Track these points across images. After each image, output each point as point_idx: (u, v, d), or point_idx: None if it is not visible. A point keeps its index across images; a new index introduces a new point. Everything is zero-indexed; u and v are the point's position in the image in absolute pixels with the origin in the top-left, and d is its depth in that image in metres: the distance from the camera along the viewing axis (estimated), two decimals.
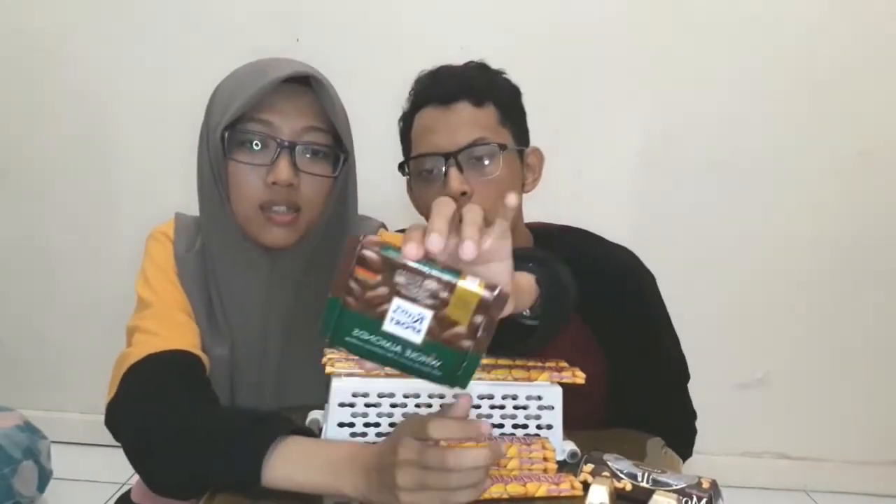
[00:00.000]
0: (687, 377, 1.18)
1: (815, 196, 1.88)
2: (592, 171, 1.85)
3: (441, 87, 1.10)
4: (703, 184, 1.87)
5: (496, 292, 0.55)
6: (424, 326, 0.55)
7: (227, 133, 0.87)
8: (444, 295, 0.55)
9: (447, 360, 0.56)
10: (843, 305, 1.92)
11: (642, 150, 1.86)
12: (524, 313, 0.71)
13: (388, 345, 0.56)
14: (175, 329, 0.88)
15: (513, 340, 0.75)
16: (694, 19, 1.80)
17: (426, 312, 0.55)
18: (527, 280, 0.69)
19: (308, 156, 0.89)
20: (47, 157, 1.93)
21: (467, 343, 0.55)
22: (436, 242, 0.52)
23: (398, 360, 0.56)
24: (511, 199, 0.61)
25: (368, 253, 0.54)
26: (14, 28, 1.87)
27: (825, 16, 1.79)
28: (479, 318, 0.55)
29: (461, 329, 0.55)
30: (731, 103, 1.83)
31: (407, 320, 0.55)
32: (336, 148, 0.92)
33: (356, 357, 0.57)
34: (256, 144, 0.88)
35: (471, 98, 1.08)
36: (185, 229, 0.97)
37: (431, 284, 0.55)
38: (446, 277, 0.54)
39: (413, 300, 0.55)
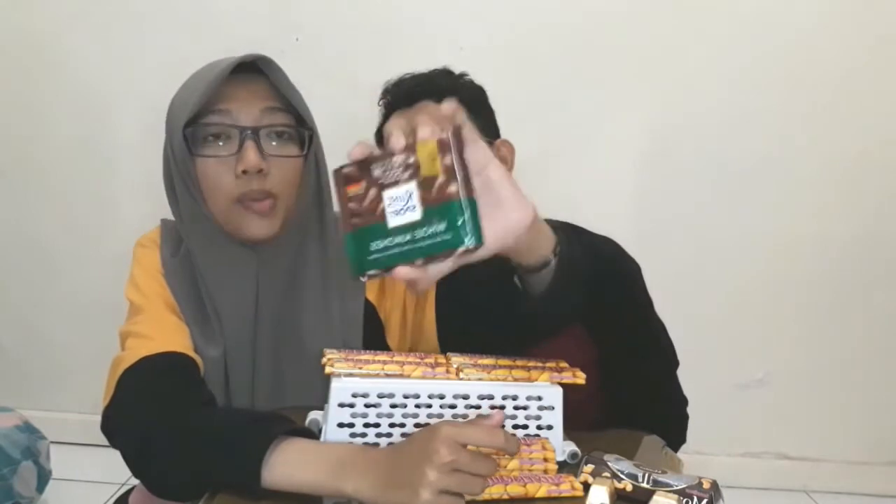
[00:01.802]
0: (676, 363, 1.19)
1: (815, 196, 1.88)
2: (593, 171, 1.85)
3: (405, 92, 1.16)
4: (704, 184, 1.87)
5: (450, 129, 0.59)
6: (416, 198, 0.59)
7: (189, 130, 0.86)
8: (411, 160, 0.59)
9: (449, 217, 0.58)
10: (843, 305, 1.92)
11: (643, 150, 1.86)
12: (542, 261, 0.71)
13: (401, 239, 0.59)
14: (168, 332, 0.88)
15: (526, 308, 0.76)
16: (694, 19, 1.80)
17: (410, 185, 0.59)
18: (545, 226, 0.70)
19: (274, 142, 0.89)
20: (46, 157, 1.93)
21: (453, 188, 0.58)
22: (398, 139, 0.60)
23: (415, 247, 0.59)
24: (445, 106, 0.63)
25: (345, 169, 0.62)
26: (12, 26, 1.87)
27: (825, 15, 1.79)
28: (448, 159, 0.58)
29: (441, 178, 0.58)
30: (731, 103, 1.83)
31: (402, 205, 0.59)
32: (299, 128, 0.91)
33: (385, 271, 0.60)
34: (219, 136, 0.87)
35: (432, 97, 1.13)
36: (170, 234, 0.97)
37: (399, 158, 0.60)
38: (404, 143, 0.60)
39: (396, 183, 0.60)
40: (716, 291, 1.91)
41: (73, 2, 1.85)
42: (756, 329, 1.93)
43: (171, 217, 0.99)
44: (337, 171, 0.62)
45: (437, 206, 0.58)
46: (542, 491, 0.72)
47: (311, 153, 0.93)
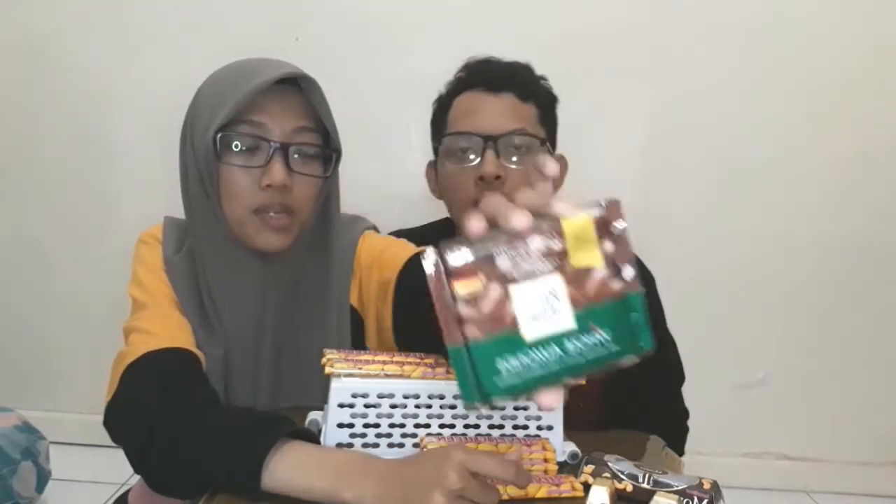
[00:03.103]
0: (682, 379, 1.18)
1: (815, 196, 1.87)
2: (593, 171, 1.85)
3: (491, 74, 1.12)
4: (704, 184, 1.87)
5: (604, 202, 0.44)
6: (564, 299, 0.43)
7: (219, 137, 0.86)
8: (557, 245, 0.43)
9: (611, 321, 0.44)
10: (843, 306, 1.92)
11: (643, 150, 1.86)
12: None
13: (545, 354, 0.43)
14: (171, 328, 0.88)
15: None
16: (694, 19, 1.80)
17: (553, 279, 0.43)
18: None
19: (299, 157, 0.89)
20: (45, 157, 1.93)
21: (616, 284, 0.44)
22: (522, 218, 0.43)
23: (566, 363, 0.44)
24: (550, 166, 0.51)
25: (453, 259, 0.43)
26: (10, 25, 1.87)
27: (826, 16, 1.79)
28: (608, 245, 0.44)
29: (599, 270, 0.44)
30: (731, 104, 1.83)
31: (542, 307, 0.43)
32: (325, 147, 0.91)
33: (528, 395, 0.44)
34: (247, 146, 0.86)
35: (517, 90, 1.11)
36: (173, 232, 0.97)
37: (537, 242, 0.43)
38: (546, 225, 0.43)
39: (532, 276, 0.43)
40: (716, 291, 1.91)
41: (72, 1, 1.85)
42: (757, 329, 1.93)
43: (172, 215, 0.99)
44: (435, 260, 0.43)
45: (595, 307, 0.44)
46: (542, 491, 0.71)
47: (332, 175, 0.93)
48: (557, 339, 0.43)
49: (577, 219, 0.44)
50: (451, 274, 0.43)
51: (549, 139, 1.15)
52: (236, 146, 0.86)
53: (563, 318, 0.43)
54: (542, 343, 0.43)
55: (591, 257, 0.44)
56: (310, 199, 0.91)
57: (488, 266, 0.43)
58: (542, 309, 0.43)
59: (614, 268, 0.44)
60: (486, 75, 1.12)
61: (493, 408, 0.47)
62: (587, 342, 0.44)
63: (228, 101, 0.85)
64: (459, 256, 0.43)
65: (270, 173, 0.85)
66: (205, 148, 0.86)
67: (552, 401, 0.45)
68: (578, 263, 0.44)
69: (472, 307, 0.43)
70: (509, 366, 0.43)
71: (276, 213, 0.88)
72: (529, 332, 0.43)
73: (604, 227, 0.44)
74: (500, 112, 1.09)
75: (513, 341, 0.43)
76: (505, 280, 0.43)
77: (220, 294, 0.92)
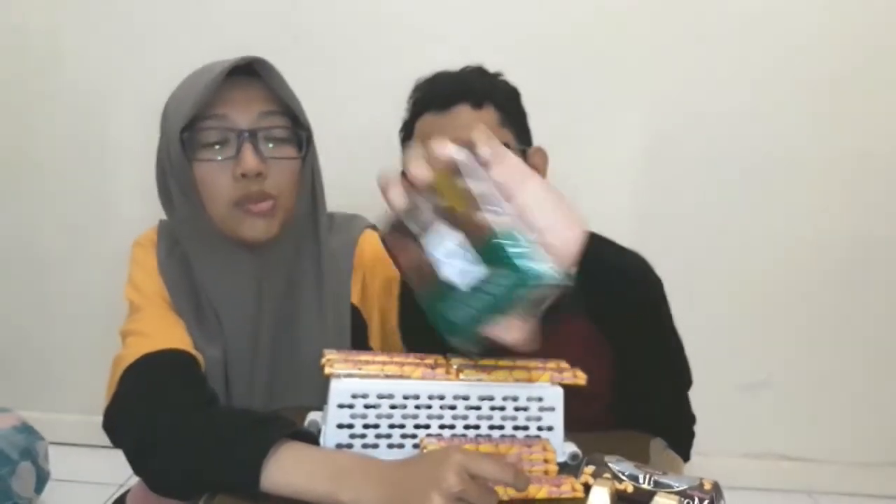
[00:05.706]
0: (690, 383, 1.18)
1: (817, 197, 1.87)
2: (593, 172, 1.85)
3: (439, 92, 1.08)
4: (705, 184, 1.86)
5: (458, 148, 0.53)
6: (458, 242, 0.51)
7: (185, 135, 0.86)
8: (436, 200, 0.51)
9: (499, 253, 0.50)
10: (846, 306, 1.91)
11: (643, 150, 1.86)
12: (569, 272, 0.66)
13: (473, 297, 0.51)
14: (168, 329, 0.88)
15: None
16: (694, 19, 1.80)
17: (442, 228, 0.51)
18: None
19: (271, 144, 0.88)
20: (44, 158, 1.93)
21: (480, 216, 0.50)
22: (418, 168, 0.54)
23: (495, 296, 0.51)
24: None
25: (384, 230, 0.55)
26: (9, 26, 1.87)
27: (826, 16, 1.79)
28: (460, 182, 0.52)
29: (467, 210, 0.51)
30: (731, 103, 1.82)
31: (448, 254, 0.52)
32: (296, 129, 0.91)
33: (478, 332, 0.52)
34: (216, 140, 0.87)
35: (469, 101, 1.07)
36: (166, 235, 0.97)
37: (422, 201, 0.53)
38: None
39: (434, 232, 0.53)
40: (718, 291, 1.90)
41: (71, 1, 1.84)
42: (759, 330, 1.93)
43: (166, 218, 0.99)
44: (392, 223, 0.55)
45: (482, 240, 0.50)
46: (542, 492, 0.71)
47: (308, 155, 0.92)
48: (470, 274, 0.51)
49: (440, 170, 0.52)
50: (389, 246, 0.54)
51: (517, 135, 1.10)
52: (204, 142, 0.87)
53: (470, 262, 0.51)
54: (474, 289, 0.52)
55: (457, 200, 0.51)
56: (287, 182, 0.90)
57: (403, 235, 0.53)
58: (449, 256, 0.52)
59: (473, 199, 0.51)
60: (433, 95, 1.07)
61: (462, 341, 0.54)
62: (497, 274, 0.50)
63: (189, 99, 0.85)
64: (389, 236, 0.54)
65: (242, 162, 0.85)
66: (175, 150, 0.86)
67: (505, 334, 0.55)
68: (453, 206, 0.51)
69: (413, 270, 0.53)
70: (450, 310, 0.52)
71: (256, 201, 0.87)
72: (454, 278, 0.52)
73: (457, 170, 0.51)
74: (454, 129, 1.02)
75: (442, 290, 0.52)
76: (419, 243, 0.52)
77: (214, 292, 0.92)
